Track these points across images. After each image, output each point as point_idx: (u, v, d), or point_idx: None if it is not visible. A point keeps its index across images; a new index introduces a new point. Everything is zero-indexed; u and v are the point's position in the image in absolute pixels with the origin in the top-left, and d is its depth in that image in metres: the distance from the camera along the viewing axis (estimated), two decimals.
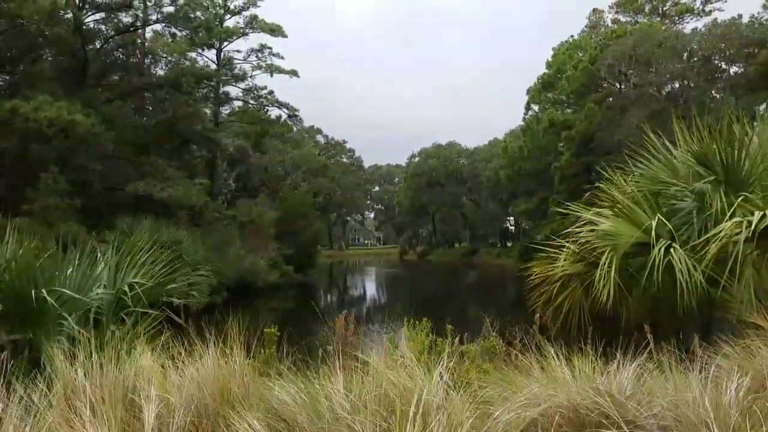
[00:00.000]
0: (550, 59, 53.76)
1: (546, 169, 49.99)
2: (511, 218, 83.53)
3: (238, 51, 44.63)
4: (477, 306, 28.29)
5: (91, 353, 3.84)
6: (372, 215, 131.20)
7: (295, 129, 57.52)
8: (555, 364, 4.66)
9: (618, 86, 44.69)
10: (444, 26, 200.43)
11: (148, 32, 35.67)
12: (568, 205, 7.99)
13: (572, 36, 54.19)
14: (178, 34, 33.76)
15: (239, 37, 43.16)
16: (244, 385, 4.16)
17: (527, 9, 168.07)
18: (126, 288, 5.82)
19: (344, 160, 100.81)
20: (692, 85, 39.68)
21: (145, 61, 35.63)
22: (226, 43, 43.49)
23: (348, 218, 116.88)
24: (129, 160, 29.61)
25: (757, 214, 6.01)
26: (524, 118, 58.74)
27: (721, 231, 6.18)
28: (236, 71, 40.26)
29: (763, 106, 34.73)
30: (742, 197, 6.45)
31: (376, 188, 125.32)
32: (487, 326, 7.61)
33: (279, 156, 57.41)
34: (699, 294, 6.51)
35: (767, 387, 4.30)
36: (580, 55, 48.03)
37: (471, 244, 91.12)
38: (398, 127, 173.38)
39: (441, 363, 4.09)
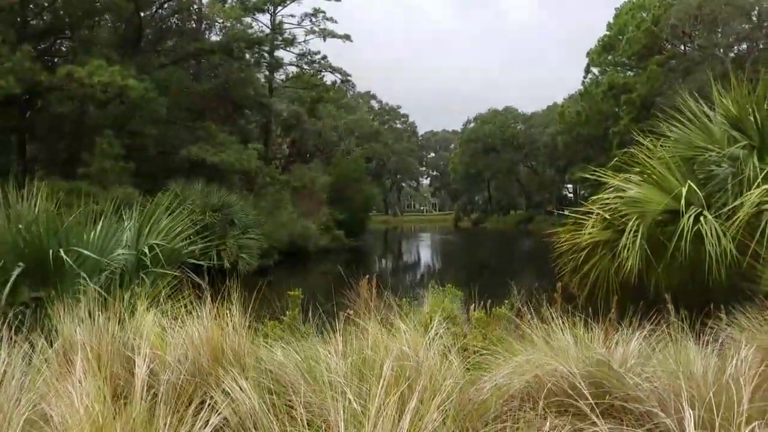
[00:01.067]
0: (611, 20, 51.75)
1: (605, 135, 48.54)
2: (569, 185, 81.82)
3: (291, 16, 44.71)
4: (524, 274, 28.04)
5: (91, 312, 4.00)
6: (427, 181, 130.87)
7: (349, 94, 57.52)
8: (559, 333, 4.61)
9: (682, 48, 42.74)
10: None
11: None
12: (595, 171, 7.76)
13: None
14: None
15: (293, 1, 43.22)
16: (240, 346, 4.26)
17: None
18: (146, 249, 5.99)
19: (398, 125, 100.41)
20: (761, 46, 37.54)
21: (201, 26, 36.12)
22: (279, 8, 43.60)
23: (403, 184, 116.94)
24: (183, 125, 30.29)
25: None
26: (583, 81, 56.94)
27: (748, 198, 5.90)
28: (287, 35, 40.31)
29: None
30: None
31: (432, 154, 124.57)
32: (514, 293, 7.54)
33: (333, 121, 57.61)
34: (728, 264, 6.28)
35: None
36: (644, 15, 45.99)
37: (527, 211, 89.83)
38: (455, 93, 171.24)
39: (432, 328, 4.11)
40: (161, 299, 4.84)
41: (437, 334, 4.35)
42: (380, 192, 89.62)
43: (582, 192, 69.46)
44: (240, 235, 23.94)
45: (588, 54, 55.09)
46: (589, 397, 3.21)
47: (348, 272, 7.38)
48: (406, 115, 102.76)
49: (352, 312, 5.97)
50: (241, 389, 3.61)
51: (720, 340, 4.74)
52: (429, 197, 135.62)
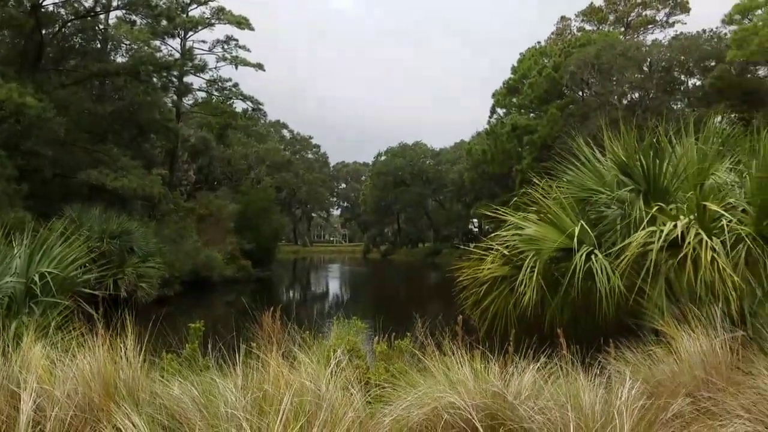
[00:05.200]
0: (516, 64, 54.29)
1: (509, 173, 50.43)
2: (475, 220, 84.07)
3: (203, 41, 44.07)
4: (430, 307, 28.42)
5: None
6: (338, 212, 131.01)
7: (260, 122, 57.01)
8: (457, 367, 4.71)
9: (580, 94, 45.33)
10: (421, 28, 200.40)
11: (112, 18, 35.07)
12: (496, 209, 8.07)
13: (539, 42, 54.92)
14: (138, 21, 33.14)
15: (204, 28, 42.62)
16: (134, 380, 4.10)
17: (503, 13, 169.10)
18: (36, 277, 5.68)
19: (310, 156, 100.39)
20: (651, 95, 40.46)
21: (107, 47, 34.92)
22: (191, 33, 42.91)
23: (313, 215, 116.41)
24: (83, 148, 28.92)
25: (669, 225, 6.15)
26: (489, 121, 59.21)
27: (635, 238, 6.31)
28: (197, 62, 39.62)
29: (719, 119, 35.65)
30: (657, 207, 6.59)
31: (343, 185, 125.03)
32: (418, 326, 7.63)
33: (243, 149, 56.87)
34: (617, 300, 6.65)
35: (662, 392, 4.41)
36: (545, 61, 48.59)
37: (435, 244, 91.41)
38: (366, 126, 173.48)
39: (333, 362, 4.11)
40: (51, 330, 4.59)
41: (339, 367, 4.34)
42: (290, 222, 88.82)
43: (486, 227, 71.63)
44: (139, 264, 23.00)
45: (494, 95, 57.43)
46: (481, 429, 3.31)
47: (254, 303, 7.25)
48: (317, 146, 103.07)
49: (254, 345, 5.87)
50: (133, 425, 3.47)
51: (608, 374, 5.00)
52: (339, 228, 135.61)
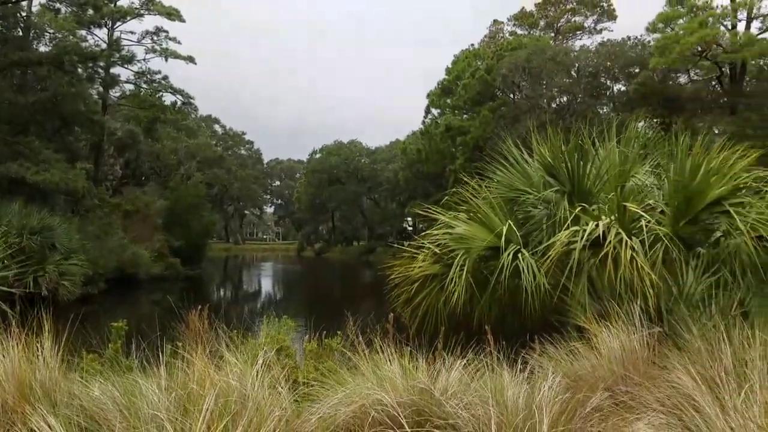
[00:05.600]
0: (450, 65, 55.02)
1: (443, 173, 51.06)
2: (409, 219, 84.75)
3: (131, 32, 42.68)
4: (363, 305, 28.46)
5: None
6: (271, 210, 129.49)
7: (191, 117, 55.72)
8: (386, 364, 4.73)
9: (512, 96, 46.35)
10: (355, 25, 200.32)
11: (36, 6, 33.53)
12: (428, 208, 8.15)
13: (472, 45, 55.82)
14: (63, 10, 31.78)
15: (133, 18, 41.27)
16: (51, 381, 3.93)
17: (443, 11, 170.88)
18: None
19: (243, 152, 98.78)
20: (579, 99, 41.78)
21: (29, 35, 33.32)
22: (119, 23, 41.47)
23: (246, 212, 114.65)
24: (2, 139, 27.54)
25: (591, 224, 6.36)
26: (424, 121, 59.80)
27: (559, 238, 6.49)
28: (125, 52, 38.35)
29: (641, 124, 37.15)
30: (580, 207, 6.80)
31: (277, 182, 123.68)
32: (349, 324, 7.63)
33: (172, 144, 55.41)
34: (542, 297, 6.83)
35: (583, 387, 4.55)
36: (479, 63, 49.43)
37: (369, 242, 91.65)
38: (301, 123, 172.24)
39: (258, 360, 4.06)
40: None
41: (267, 366, 4.29)
42: (221, 219, 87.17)
43: (420, 226, 72.33)
44: (62, 261, 22.08)
45: (429, 95, 58.03)
46: (406, 425, 3.33)
47: (182, 302, 7.06)
48: (251, 142, 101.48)
49: (180, 344, 5.72)
50: (49, 427, 3.33)
51: (532, 369, 5.13)
52: (273, 226, 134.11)
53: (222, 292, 42.52)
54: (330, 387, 4.51)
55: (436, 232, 7.89)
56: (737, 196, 6.88)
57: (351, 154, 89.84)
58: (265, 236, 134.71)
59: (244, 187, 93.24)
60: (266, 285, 50.02)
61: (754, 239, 6.62)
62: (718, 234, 7.20)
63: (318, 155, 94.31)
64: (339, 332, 7.46)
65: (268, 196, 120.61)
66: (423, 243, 8.05)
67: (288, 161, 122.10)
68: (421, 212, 8.79)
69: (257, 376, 4.07)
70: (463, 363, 4.73)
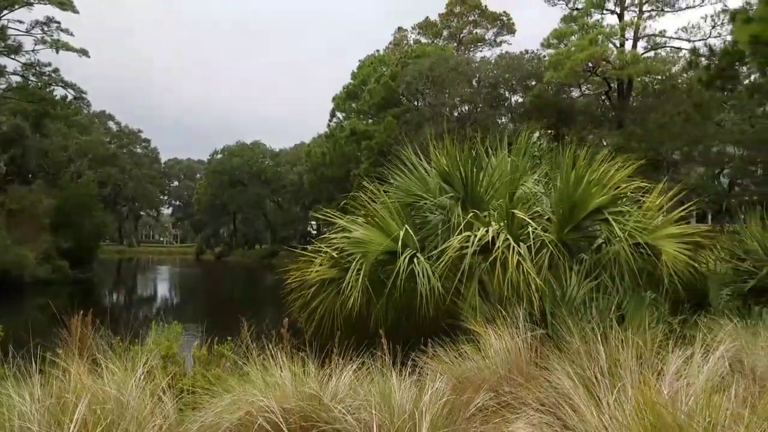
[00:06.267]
0: (356, 70, 55.28)
1: (347, 176, 51.19)
2: (313, 222, 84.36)
3: (20, 21, 40.03)
4: (262, 309, 28.08)
5: None
6: (169, 211, 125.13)
7: (83, 112, 52.95)
8: (277, 370, 4.68)
9: (416, 103, 47.18)
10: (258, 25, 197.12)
11: None
12: (327, 212, 8.16)
13: (378, 50, 56.33)
14: None
15: (22, 7, 38.76)
16: None
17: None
18: None
19: (138, 150, 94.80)
20: (479, 109, 43.12)
21: None
22: (5, 12, 38.81)
23: (141, 213, 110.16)
24: None
25: (482, 230, 6.58)
26: (329, 124, 59.74)
27: (452, 242, 6.67)
28: (11, 42, 35.95)
29: (536, 135, 38.84)
30: (472, 214, 7.02)
31: (175, 183, 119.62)
32: (244, 329, 7.48)
33: (62, 140, 52.39)
34: (435, 301, 6.98)
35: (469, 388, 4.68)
36: (384, 69, 49.96)
37: (272, 246, 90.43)
38: (203, 124, 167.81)
39: (140, 368, 3.91)
40: None
41: (150, 374, 4.15)
42: (115, 220, 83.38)
43: (325, 230, 72.14)
44: None
45: (334, 99, 58.04)
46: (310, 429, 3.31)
47: (69, 307, 6.68)
48: (147, 140, 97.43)
49: (60, 352, 5.42)
50: None
51: (422, 372, 5.23)
52: (170, 228, 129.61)
53: (114, 297, 40.65)
54: (217, 395, 4.41)
55: (334, 236, 7.90)
56: (617, 205, 7.33)
57: (254, 156, 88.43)
58: (162, 239, 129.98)
59: (140, 187, 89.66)
60: (162, 289, 48.32)
61: (631, 246, 7.07)
62: (600, 241, 7.63)
63: (219, 156, 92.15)
64: (233, 338, 7.32)
65: (166, 197, 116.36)
66: (320, 247, 8.03)
67: (188, 161, 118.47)
68: (319, 216, 8.77)
69: (139, 383, 3.92)
70: (355, 367, 4.76)
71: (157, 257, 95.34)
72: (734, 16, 20.14)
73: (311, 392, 4.16)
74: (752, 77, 21.15)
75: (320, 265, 7.87)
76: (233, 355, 6.22)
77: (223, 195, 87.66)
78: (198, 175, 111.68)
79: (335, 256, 7.85)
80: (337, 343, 6.32)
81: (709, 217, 34.66)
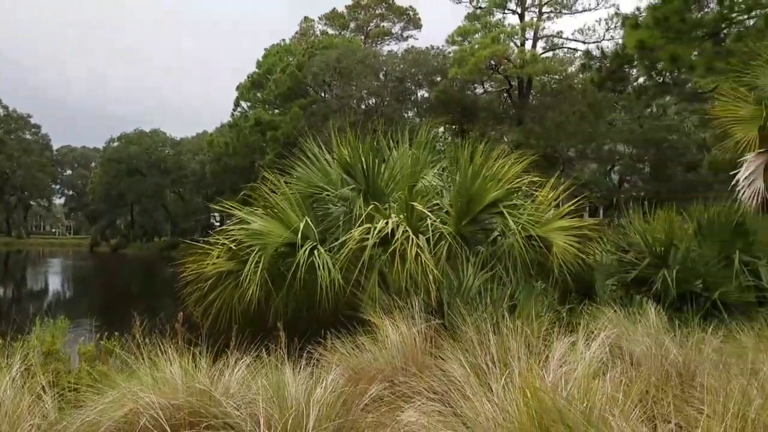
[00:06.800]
0: (261, 59, 54.26)
1: (252, 167, 50.18)
2: (216, 214, 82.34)
3: None
4: (159, 303, 27.15)
5: None
6: (62, 201, 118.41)
7: None
8: (167, 365, 4.53)
9: (323, 94, 46.89)
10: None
11: None
12: (224, 203, 7.97)
13: (284, 40, 55.53)
14: None
15: None
16: None
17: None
18: None
19: (28, 136, 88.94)
20: (386, 102, 43.43)
21: None
22: None
23: (31, 203, 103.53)
24: None
25: (382, 222, 6.63)
26: (233, 114, 58.35)
27: (353, 234, 6.68)
28: None
29: (441, 129, 39.62)
30: (373, 206, 7.06)
31: (68, 172, 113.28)
32: (136, 324, 7.19)
33: None
34: (336, 293, 6.97)
35: (365, 378, 4.70)
36: (290, 59, 49.31)
37: (172, 238, 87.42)
38: (99, 110, 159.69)
39: (16, 366, 3.68)
40: None
41: (29, 371, 3.92)
42: (2, 210, 78.08)
43: (228, 221, 70.55)
44: None
45: (238, 88, 56.75)
46: (168, 429, 3.20)
47: None
48: (38, 126, 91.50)
49: None
50: None
51: (320, 364, 5.22)
52: (63, 219, 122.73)
53: (0, 291, 38.08)
54: (102, 392, 4.21)
55: (232, 227, 7.72)
56: (511, 199, 7.59)
57: (153, 144, 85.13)
58: (54, 230, 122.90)
59: (29, 176, 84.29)
60: (54, 283, 45.72)
61: (524, 238, 7.34)
62: (496, 233, 7.88)
63: (116, 144, 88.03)
64: (124, 333, 7.02)
65: (58, 186, 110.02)
66: (219, 239, 7.84)
67: (82, 149, 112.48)
68: (217, 207, 8.56)
69: (15, 382, 3.70)
70: (250, 361, 4.68)
71: (49, 249, 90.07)
72: (625, 21, 21.33)
73: (201, 387, 4.05)
74: (640, 80, 22.46)
75: (218, 257, 7.67)
76: (122, 352, 5.96)
77: (120, 184, 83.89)
78: (93, 163, 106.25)
79: (233, 248, 7.67)
80: (234, 336, 6.21)
81: (601, 211, 36.69)
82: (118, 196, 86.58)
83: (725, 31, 17.91)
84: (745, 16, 17.84)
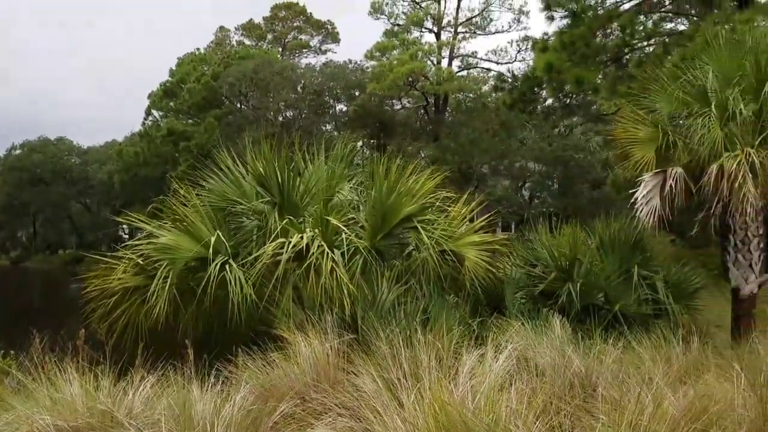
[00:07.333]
0: (174, 68, 52.83)
1: (163, 178, 48.64)
2: (125, 227, 79.22)
3: None
4: (62, 319, 25.75)
5: None
6: None
7: None
8: (66, 386, 4.31)
9: (239, 105, 46.16)
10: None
11: None
12: (130, 216, 7.68)
13: (198, 49, 54.28)
14: None
15: None
16: None
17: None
18: None
19: None
20: (304, 115, 43.26)
21: None
22: None
23: None
24: None
25: (296, 236, 6.57)
26: (144, 123, 56.42)
27: (267, 248, 6.59)
28: None
29: (360, 143, 39.81)
30: (288, 220, 6.99)
31: None
32: (35, 342, 6.78)
33: None
34: (248, 309, 6.83)
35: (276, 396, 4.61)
36: (205, 68, 48.29)
37: (77, 251, 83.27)
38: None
39: None
40: None
41: None
42: None
43: (138, 235, 67.94)
44: None
45: (150, 96, 54.99)
46: None
47: None
48: None
49: None
50: None
51: (229, 382, 5.08)
52: None
53: None
54: None
55: (139, 242, 7.44)
56: (425, 213, 7.70)
57: (58, 153, 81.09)
58: None
59: None
60: None
61: (437, 252, 7.46)
62: (411, 248, 7.97)
63: (18, 151, 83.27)
64: (22, 352, 6.62)
65: None
66: (125, 254, 7.53)
67: None
68: (122, 220, 8.25)
69: None
70: (156, 380, 4.52)
71: None
72: (535, 44, 22.24)
73: (103, 408, 3.87)
74: (549, 101, 23.45)
75: (124, 272, 7.36)
76: (18, 372, 5.61)
77: (22, 194, 79.28)
78: None
79: (141, 263, 7.39)
80: (139, 354, 5.96)
81: (513, 226, 37.87)
82: (20, 207, 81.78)
83: (627, 56, 19.04)
84: (645, 43, 19.04)
